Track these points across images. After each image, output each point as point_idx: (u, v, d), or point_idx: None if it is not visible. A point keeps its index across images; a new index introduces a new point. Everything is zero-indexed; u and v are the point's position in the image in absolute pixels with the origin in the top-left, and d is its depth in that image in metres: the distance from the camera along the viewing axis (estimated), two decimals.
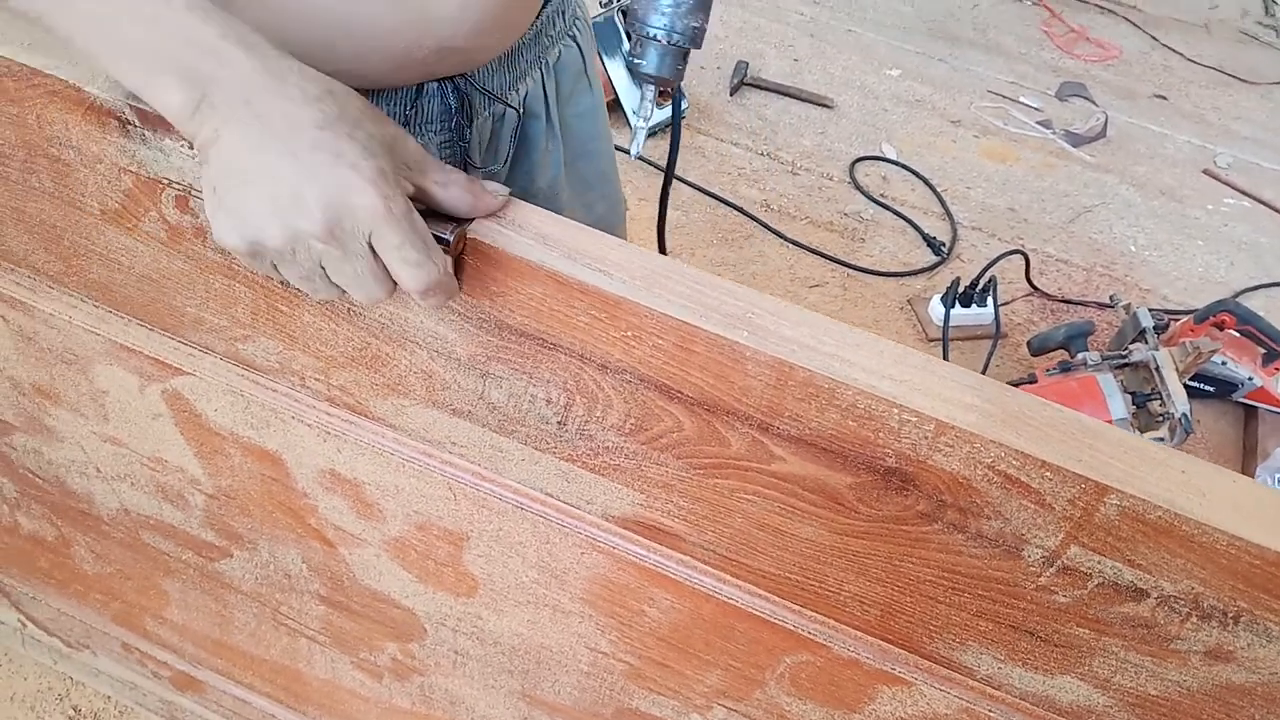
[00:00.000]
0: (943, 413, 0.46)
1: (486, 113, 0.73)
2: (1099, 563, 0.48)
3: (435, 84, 0.68)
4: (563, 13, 0.79)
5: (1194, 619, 0.48)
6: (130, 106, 0.53)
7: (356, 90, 0.48)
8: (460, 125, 0.70)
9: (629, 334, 0.50)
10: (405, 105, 0.67)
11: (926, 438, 0.47)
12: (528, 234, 0.50)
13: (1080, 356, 1.66)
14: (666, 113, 2.19)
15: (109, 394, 0.74)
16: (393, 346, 0.57)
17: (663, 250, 0.93)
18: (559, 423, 0.56)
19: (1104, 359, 1.65)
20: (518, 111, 0.75)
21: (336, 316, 0.58)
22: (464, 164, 0.74)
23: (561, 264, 0.50)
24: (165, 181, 0.56)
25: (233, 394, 0.67)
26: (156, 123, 0.53)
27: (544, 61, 0.77)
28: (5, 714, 1.28)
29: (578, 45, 0.81)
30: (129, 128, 0.54)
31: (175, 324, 0.65)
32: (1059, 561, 0.49)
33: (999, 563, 0.50)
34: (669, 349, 0.50)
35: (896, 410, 0.47)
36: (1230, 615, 0.47)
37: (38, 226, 0.63)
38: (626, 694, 0.74)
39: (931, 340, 1.84)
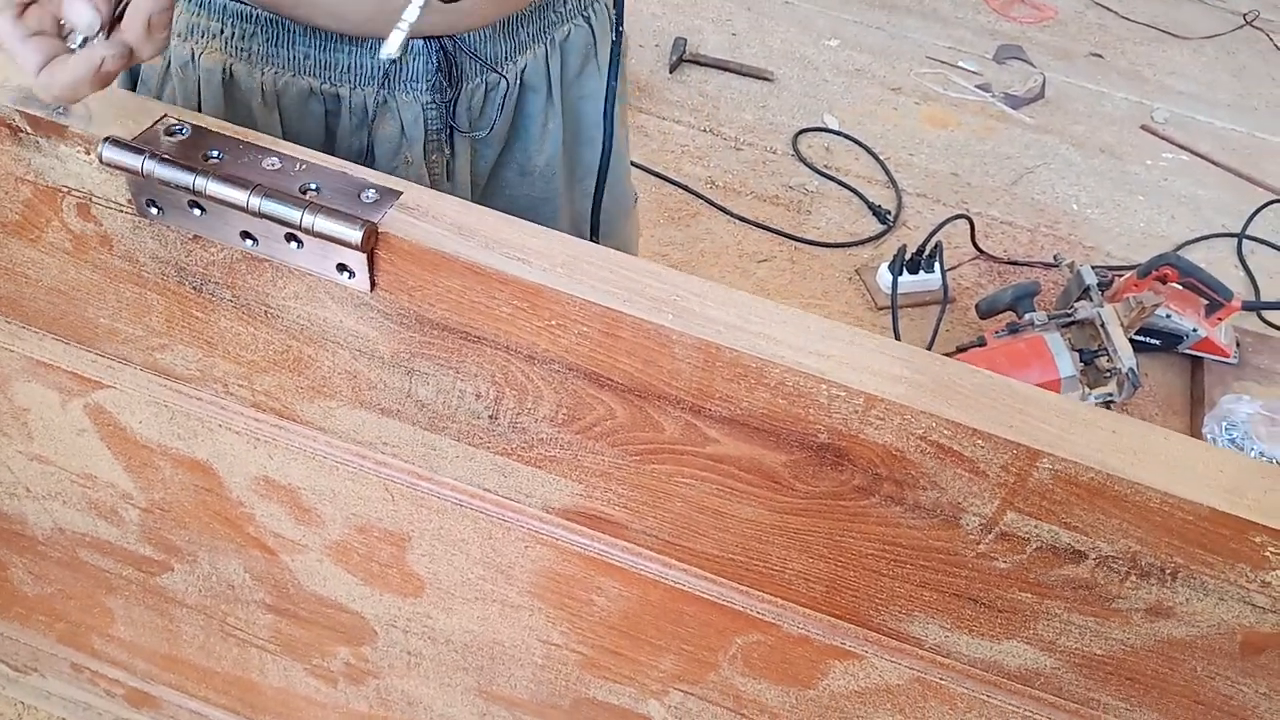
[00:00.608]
0: (871, 386, 0.45)
1: (478, 79, 0.72)
2: (1036, 527, 0.48)
3: (421, 41, 0.67)
4: None
5: (1133, 578, 0.48)
6: (19, 113, 0.51)
7: (338, 34, 0.48)
8: (441, 87, 0.69)
9: (553, 323, 0.49)
10: (386, 60, 0.67)
11: (857, 412, 0.46)
12: (443, 225, 0.49)
13: (1027, 317, 1.67)
14: None
15: (30, 411, 0.71)
16: (314, 348, 0.56)
17: (594, 235, 0.91)
18: (490, 417, 0.55)
19: (1050, 318, 1.66)
20: (507, 81, 0.75)
21: (254, 319, 0.56)
22: (449, 128, 0.74)
23: (479, 254, 0.48)
24: (65, 189, 0.53)
25: (156, 405, 0.65)
26: (49, 129, 0.51)
27: (549, 37, 0.77)
28: None
29: (590, 26, 0.80)
30: (20, 134, 0.52)
31: (90, 336, 0.62)
32: (996, 528, 0.49)
33: (938, 532, 0.50)
34: (595, 336, 0.49)
35: (825, 386, 0.46)
36: (1168, 572, 0.48)
37: None
38: (582, 684, 0.73)
39: (881, 309, 1.85)
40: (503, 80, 0.75)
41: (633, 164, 2.07)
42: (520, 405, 0.54)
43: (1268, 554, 0.45)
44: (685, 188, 2.06)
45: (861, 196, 2.10)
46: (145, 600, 0.88)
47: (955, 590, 0.53)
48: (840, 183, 2.13)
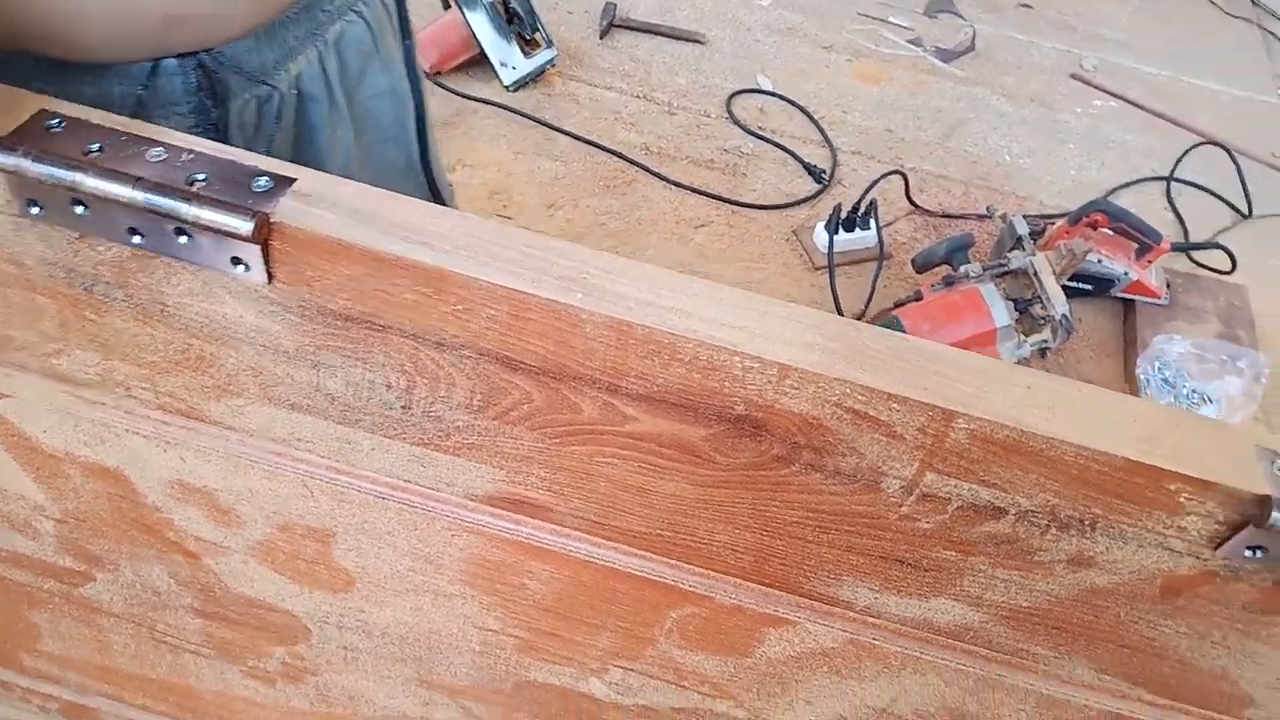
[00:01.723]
0: (785, 355, 0.45)
1: (248, 94, 0.67)
2: (956, 486, 0.48)
3: (175, 60, 0.62)
4: None
5: (1053, 530, 0.49)
6: None
7: (79, 64, 0.43)
8: (205, 107, 0.64)
9: (459, 307, 0.48)
10: (137, 84, 0.61)
11: (771, 382, 0.46)
12: (339, 211, 0.47)
13: (962, 269, 1.68)
14: (535, 62, 2.13)
15: None
16: (215, 345, 0.54)
17: (425, 157, 0.86)
18: (403, 407, 0.54)
19: (985, 269, 1.68)
20: (280, 92, 0.69)
21: (150, 319, 0.54)
22: None
23: (378, 240, 0.46)
24: None
25: (59, 412, 0.62)
26: None
27: (321, 38, 0.71)
28: None
29: (365, 21, 0.75)
30: None
31: None
32: (917, 489, 0.49)
33: (860, 497, 0.50)
34: (504, 319, 0.48)
35: (738, 358, 0.45)
36: (1086, 523, 0.48)
37: None
38: (522, 667, 0.73)
39: (819, 268, 1.85)
40: (275, 92, 0.69)
41: (565, 133, 2.05)
42: (433, 393, 0.52)
43: (1182, 500, 0.45)
44: (620, 155, 2.04)
45: (797, 157, 2.10)
46: (70, 612, 0.85)
47: (881, 553, 0.53)
48: (775, 144, 2.13)
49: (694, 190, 1.99)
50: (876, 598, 0.56)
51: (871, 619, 0.57)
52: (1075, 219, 1.80)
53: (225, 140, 0.67)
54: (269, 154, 0.72)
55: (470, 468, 0.56)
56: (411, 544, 0.63)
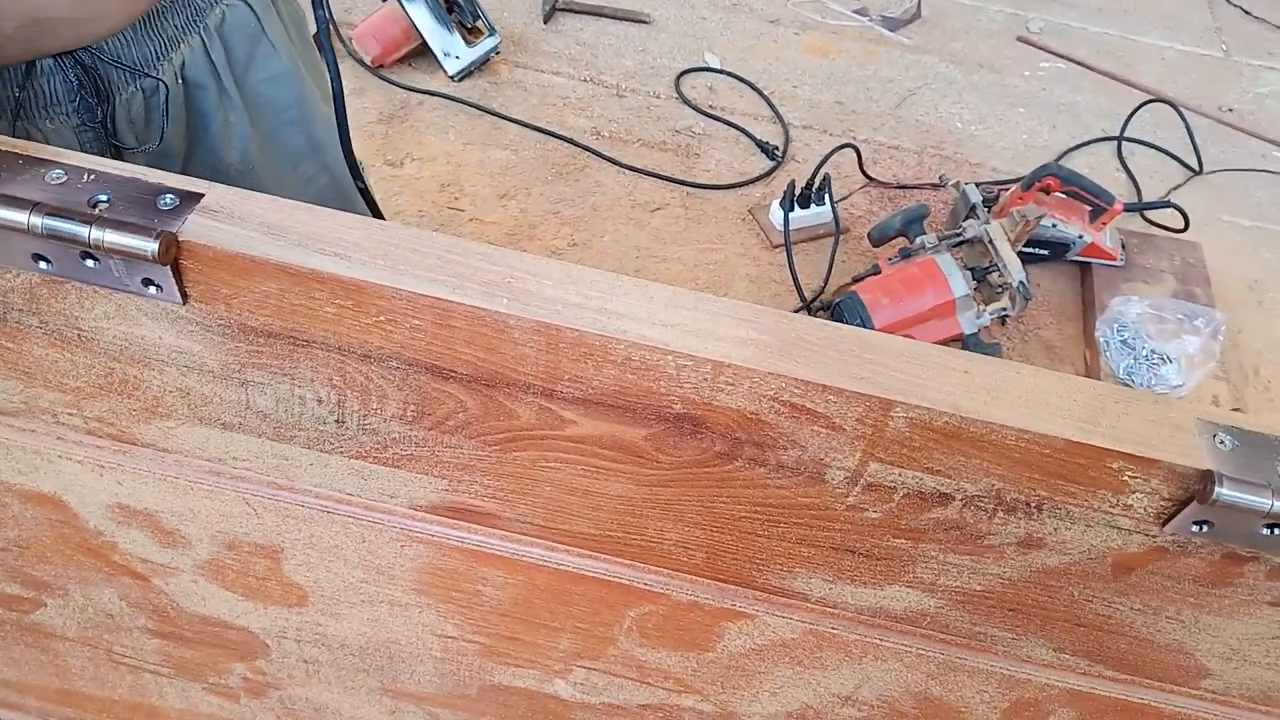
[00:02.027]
0: (717, 352, 0.44)
1: (133, 87, 0.65)
2: (900, 475, 0.47)
3: (51, 60, 0.60)
4: None
5: (1000, 514, 0.48)
6: None
7: None
8: (89, 105, 0.63)
9: (381, 319, 0.46)
10: (14, 86, 0.59)
11: (706, 379, 0.45)
12: (250, 225, 0.45)
13: (919, 241, 1.68)
14: (478, 50, 2.10)
15: None
16: (138, 368, 0.52)
17: (377, 215, 0.86)
18: (337, 421, 0.52)
19: (941, 240, 1.68)
20: (165, 84, 0.68)
21: (68, 345, 0.52)
22: (114, 148, 0.66)
23: (291, 254, 0.45)
24: None
25: None
26: None
27: (202, 24, 0.70)
28: None
29: (248, 4, 0.73)
30: None
31: None
32: (862, 480, 0.48)
33: (805, 489, 0.49)
34: (429, 329, 0.46)
35: (671, 356, 0.44)
36: (1033, 505, 0.47)
37: None
38: (485, 672, 0.72)
39: (776, 246, 1.84)
40: (159, 84, 0.68)
41: (514, 121, 2.03)
42: (365, 406, 0.51)
43: (1126, 479, 0.45)
44: (571, 141, 2.02)
45: (748, 134, 2.09)
46: (24, 639, 0.83)
47: (831, 544, 0.52)
48: (727, 122, 2.11)
49: (647, 173, 1.97)
50: (831, 588, 0.55)
51: (828, 609, 0.57)
52: (1028, 184, 1.80)
53: (116, 137, 0.65)
54: (161, 147, 0.70)
55: (411, 478, 0.55)
56: (361, 556, 0.62)
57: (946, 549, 0.51)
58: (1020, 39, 2.49)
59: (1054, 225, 1.81)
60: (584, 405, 0.48)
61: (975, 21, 2.53)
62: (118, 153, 0.67)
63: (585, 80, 2.18)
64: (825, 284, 1.78)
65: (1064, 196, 1.81)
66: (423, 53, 2.11)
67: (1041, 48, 2.48)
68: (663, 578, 0.58)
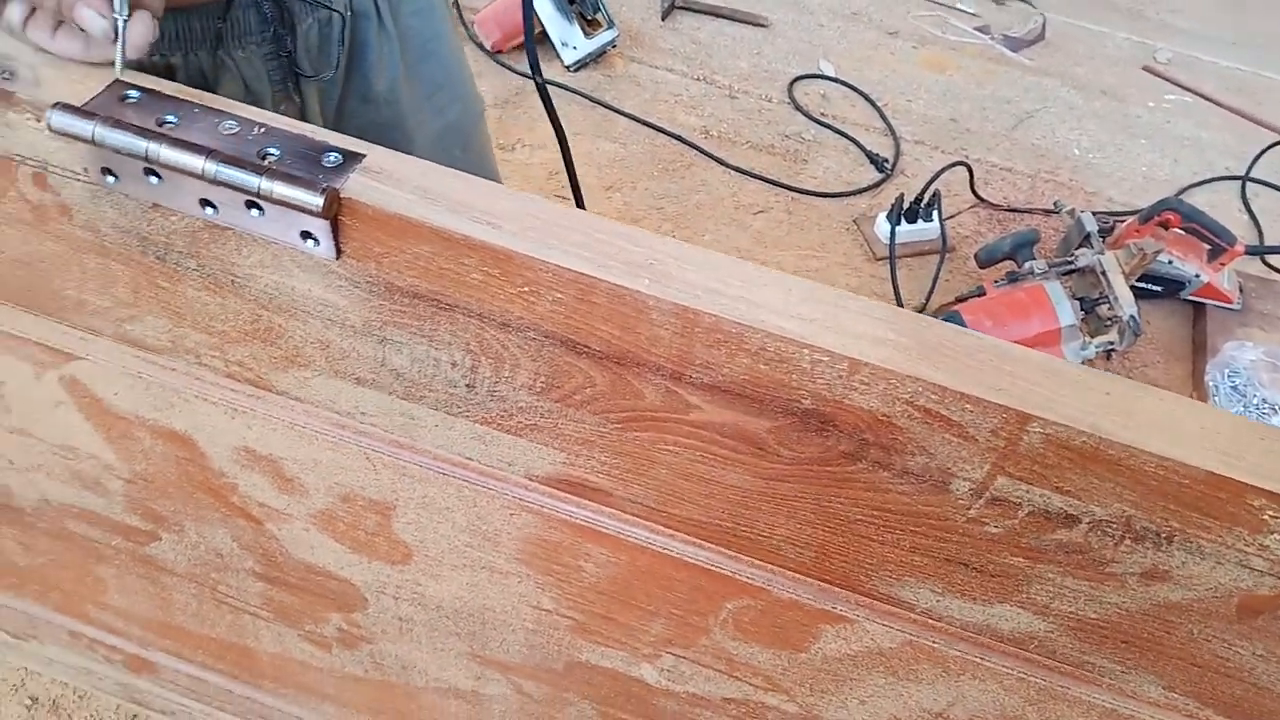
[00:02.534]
0: (855, 350, 0.44)
1: (310, 19, 0.70)
2: (1027, 491, 0.47)
3: None
4: None
5: (1128, 541, 0.47)
6: None
7: (164, 17, 0.47)
8: (280, 35, 0.67)
9: (525, 289, 0.47)
10: (215, 20, 0.64)
11: (841, 377, 0.45)
12: (407, 188, 0.47)
13: (1027, 266, 1.65)
14: (596, 42, 2.12)
15: (6, 384, 0.70)
16: (284, 317, 0.54)
17: (580, 204, 0.89)
18: (467, 385, 0.54)
19: (1051, 267, 1.64)
20: (343, 15, 0.72)
21: (221, 289, 0.54)
22: (294, 74, 0.71)
23: (446, 219, 0.46)
24: (18, 158, 0.51)
25: (130, 376, 0.63)
26: None
27: None
28: None
29: None
30: None
31: (59, 308, 0.61)
32: (987, 493, 0.47)
33: (927, 498, 0.49)
34: (569, 303, 0.47)
35: (807, 351, 0.44)
36: (1163, 536, 0.46)
37: None
38: (575, 648, 0.73)
39: (879, 259, 1.82)
40: (334, 14, 0.73)
41: (625, 114, 2.04)
42: (497, 373, 0.52)
43: (1266, 517, 0.43)
44: (679, 138, 2.02)
45: (859, 145, 2.07)
46: (136, 569, 0.87)
47: (946, 555, 0.52)
48: (837, 131, 2.09)
49: (753, 175, 1.97)
50: (939, 600, 0.55)
51: (933, 621, 0.56)
52: (1146, 217, 1.75)
53: (297, 65, 0.70)
54: (333, 77, 0.74)
55: (531, 448, 0.56)
56: (470, 520, 0.63)
57: (1065, 572, 0.50)
58: (1146, 68, 2.42)
59: (1170, 262, 1.75)
60: (711, 392, 0.49)
61: (1101, 47, 2.47)
62: (297, 81, 0.72)
63: (698, 79, 2.18)
64: (927, 301, 1.75)
65: (1183, 233, 1.76)
66: (541, 41, 2.14)
67: (1168, 79, 2.40)
68: (766, 573, 0.58)
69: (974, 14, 2.49)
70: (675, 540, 0.59)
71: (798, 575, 0.57)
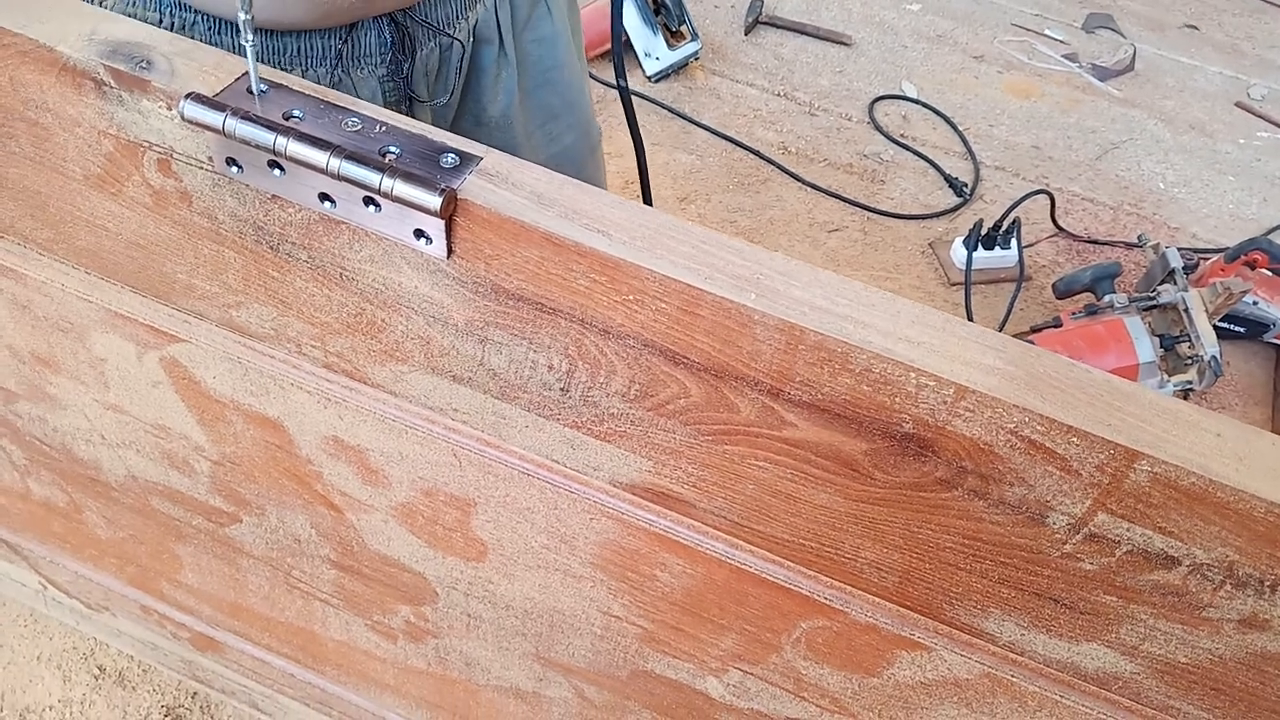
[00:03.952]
0: (963, 376, 0.44)
1: (431, 44, 0.70)
2: (1128, 530, 0.46)
3: (370, 19, 0.65)
4: None
5: (1228, 587, 0.46)
6: (104, 66, 0.50)
7: (287, 35, 0.47)
8: (399, 60, 0.68)
9: (630, 298, 0.48)
10: (337, 41, 0.65)
11: (945, 402, 0.44)
12: (522, 193, 0.48)
13: (1107, 299, 1.62)
14: (679, 54, 2.13)
15: (107, 362, 0.72)
16: (388, 312, 0.55)
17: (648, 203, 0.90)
18: (562, 389, 0.54)
19: (1131, 301, 1.61)
20: (461, 42, 0.73)
21: (329, 281, 0.55)
22: (408, 98, 0.72)
23: (558, 225, 0.47)
24: (146, 144, 0.53)
25: (230, 361, 0.65)
26: (133, 83, 0.51)
27: None
28: (33, 673, 1.30)
29: None
30: (105, 89, 0.51)
31: (167, 291, 0.63)
32: (1085, 529, 0.47)
33: (1022, 530, 0.48)
34: (673, 313, 0.48)
35: (914, 374, 0.44)
36: (1267, 584, 0.45)
37: (22, 193, 0.61)
38: (641, 657, 0.73)
39: (953, 284, 1.80)
40: (455, 42, 0.73)
41: (703, 127, 2.05)
42: (592, 379, 0.53)
43: None
44: (756, 153, 2.02)
45: (938, 167, 2.05)
46: (213, 549, 0.89)
47: (1035, 589, 0.51)
48: (916, 153, 2.08)
49: (829, 193, 1.96)
50: (1023, 634, 0.54)
51: (1014, 655, 0.55)
52: (1232, 256, 1.71)
53: (412, 88, 0.70)
54: (449, 101, 0.76)
55: (619, 455, 0.57)
56: (549, 522, 0.64)
57: (1159, 614, 0.49)
58: (1239, 104, 2.37)
59: (1255, 303, 1.71)
60: (809, 410, 0.49)
61: (1191, 81, 2.42)
62: (410, 104, 0.73)
63: (778, 94, 2.18)
64: (1001, 329, 1.73)
65: (1270, 274, 1.71)
66: (625, 50, 2.15)
67: (1261, 116, 2.34)
68: (845, 595, 0.58)
69: (1063, 41, 2.45)
70: (755, 556, 0.59)
71: (878, 600, 0.57)
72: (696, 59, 2.18)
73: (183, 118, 0.48)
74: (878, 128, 2.12)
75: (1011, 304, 1.75)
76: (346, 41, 0.65)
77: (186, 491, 0.82)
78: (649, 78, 2.14)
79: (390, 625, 0.86)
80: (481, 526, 0.68)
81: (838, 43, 2.33)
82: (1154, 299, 1.60)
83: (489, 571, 0.72)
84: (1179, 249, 1.69)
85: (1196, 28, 2.60)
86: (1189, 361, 1.57)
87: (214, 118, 0.48)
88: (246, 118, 0.48)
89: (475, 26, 0.75)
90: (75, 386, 0.76)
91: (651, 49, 2.12)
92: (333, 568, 0.82)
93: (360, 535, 0.75)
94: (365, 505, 0.72)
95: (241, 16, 0.48)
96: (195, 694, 1.29)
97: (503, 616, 0.77)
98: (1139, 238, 1.77)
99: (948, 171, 2.03)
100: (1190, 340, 1.56)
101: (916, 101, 2.20)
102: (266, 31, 0.66)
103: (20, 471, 0.94)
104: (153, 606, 1.07)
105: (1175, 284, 1.62)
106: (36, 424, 0.85)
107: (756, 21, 2.32)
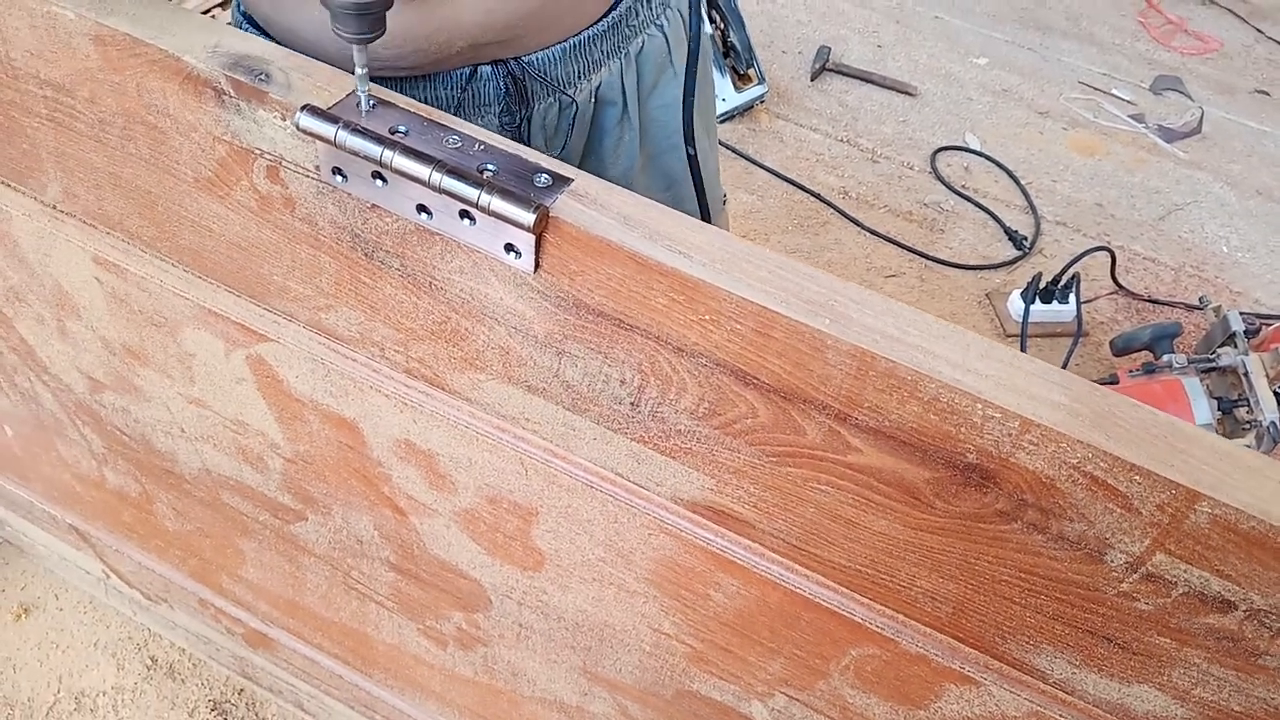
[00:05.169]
0: (1029, 410, 0.45)
1: (551, 99, 0.72)
2: (1185, 571, 0.47)
3: (489, 67, 0.68)
4: (648, 2, 0.77)
5: None
6: (226, 77, 0.54)
7: (405, 79, 0.49)
8: (511, 110, 0.70)
9: (707, 317, 0.50)
10: (457, 89, 0.68)
11: (1010, 435, 0.46)
12: (610, 214, 0.50)
13: (1165, 359, 1.61)
14: (745, 96, 2.17)
15: (195, 357, 0.76)
16: (472, 321, 0.58)
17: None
18: (632, 404, 0.56)
19: (1190, 362, 1.59)
20: (575, 101, 0.74)
21: (418, 289, 0.58)
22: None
23: (642, 245, 0.49)
24: (257, 152, 0.57)
25: (314, 362, 0.68)
26: (251, 94, 0.54)
27: (623, 51, 0.76)
28: (88, 659, 1.33)
29: (664, 35, 0.79)
30: (224, 98, 0.55)
31: (261, 291, 0.66)
32: (1143, 568, 0.47)
33: (1079, 566, 0.49)
34: (747, 334, 0.49)
35: (980, 405, 0.46)
36: None
37: (133, 192, 0.65)
38: (688, 676, 0.74)
39: (1009, 336, 1.80)
40: (574, 102, 0.74)
41: (765, 168, 2.08)
42: (663, 395, 0.55)
43: None
44: (817, 196, 2.05)
45: (998, 220, 2.05)
46: (277, 546, 0.92)
47: (1089, 627, 0.52)
48: (977, 204, 2.09)
49: (888, 239, 1.97)
50: (1074, 672, 0.54)
51: (1063, 694, 0.56)
52: None
53: (528, 141, 0.73)
54: (562, 155, 0.78)
55: (682, 471, 0.59)
56: (609, 535, 0.66)
57: (1213, 659, 0.49)
58: None
59: None
60: (875, 436, 0.50)
61: (1260, 145, 2.40)
62: None
63: (841, 140, 2.20)
64: None
65: None
66: None
67: None
68: (898, 624, 0.59)
69: (1130, 101, 2.45)
70: (810, 581, 0.60)
71: (930, 630, 0.58)
72: (762, 102, 2.22)
73: (297, 128, 0.52)
74: (939, 177, 2.14)
75: (1068, 359, 1.74)
76: (465, 90, 0.68)
77: (257, 487, 0.85)
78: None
79: (442, 631, 0.88)
80: (541, 536, 0.70)
81: (903, 92, 2.35)
82: (1214, 361, 1.59)
83: (544, 581, 0.74)
84: (1241, 313, 1.68)
85: (1267, 94, 2.59)
86: (1247, 426, 1.55)
87: (326, 129, 0.51)
88: (356, 130, 0.51)
89: (598, 89, 0.76)
90: (161, 379, 0.80)
91: (719, 90, 2.16)
92: (391, 570, 0.84)
93: (421, 539, 0.78)
94: (429, 509, 0.74)
95: (358, 71, 0.52)
96: (242, 690, 1.32)
97: (553, 628, 0.78)
98: (1200, 299, 1.76)
99: (1008, 224, 2.04)
100: (1249, 405, 1.54)
101: (979, 154, 2.21)
102: (384, 79, 0.68)
103: (98, 460, 0.98)
104: (210, 600, 1.10)
105: (1236, 347, 1.60)
106: (119, 414, 0.89)
107: (823, 68, 2.36)
